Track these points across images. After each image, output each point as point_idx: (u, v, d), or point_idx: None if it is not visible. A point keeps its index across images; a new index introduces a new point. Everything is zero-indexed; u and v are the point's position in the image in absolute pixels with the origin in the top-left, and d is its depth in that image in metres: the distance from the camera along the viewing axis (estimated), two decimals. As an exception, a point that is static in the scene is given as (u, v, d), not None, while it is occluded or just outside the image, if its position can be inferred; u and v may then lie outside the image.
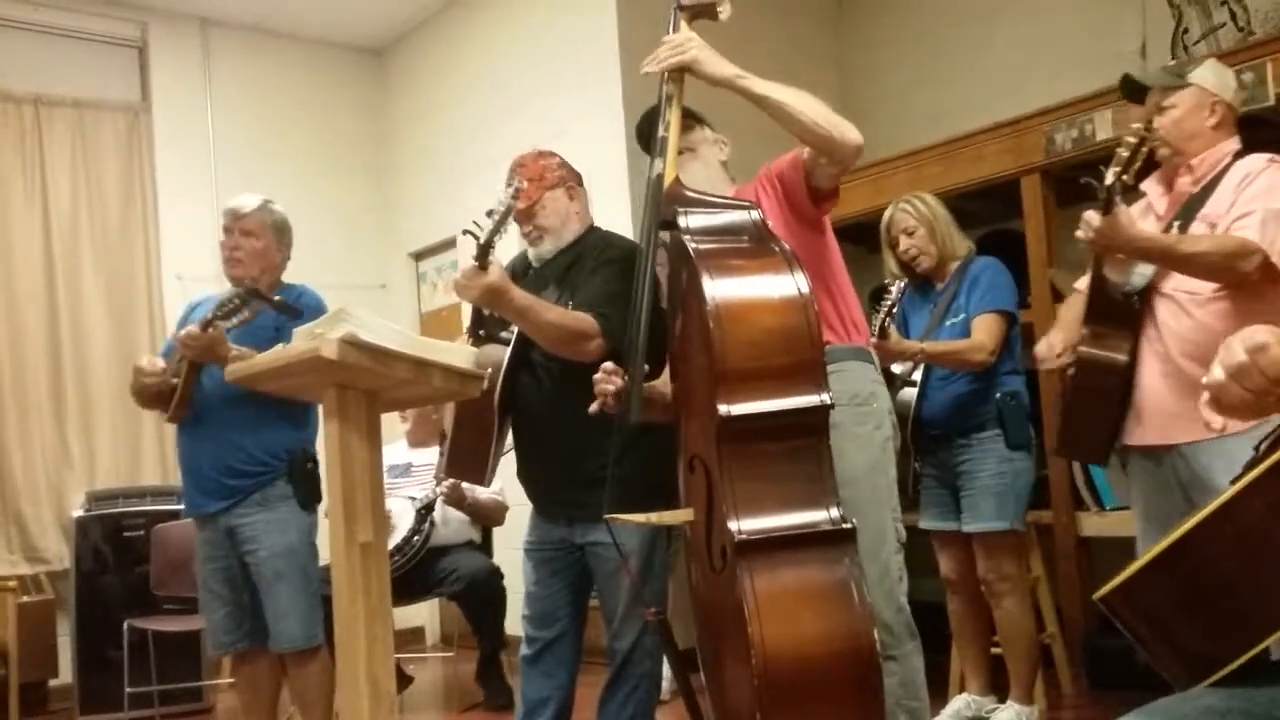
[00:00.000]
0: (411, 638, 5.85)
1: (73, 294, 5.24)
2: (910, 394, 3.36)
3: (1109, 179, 2.26)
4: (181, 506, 3.87)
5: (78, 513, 4.68)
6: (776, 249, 2.01)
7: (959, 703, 3.41)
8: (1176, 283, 2.37)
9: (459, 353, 2.39)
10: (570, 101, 4.99)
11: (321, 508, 3.05)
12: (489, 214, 2.38)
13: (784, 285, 1.94)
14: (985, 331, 3.20)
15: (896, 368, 3.36)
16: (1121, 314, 2.44)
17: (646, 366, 2.13)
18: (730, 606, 1.86)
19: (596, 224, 2.79)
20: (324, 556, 2.77)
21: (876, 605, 1.95)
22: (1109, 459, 2.58)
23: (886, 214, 3.43)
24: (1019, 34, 4.61)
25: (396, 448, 4.51)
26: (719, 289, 1.92)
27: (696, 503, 2.05)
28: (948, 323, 3.32)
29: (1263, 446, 1.24)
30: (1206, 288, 2.32)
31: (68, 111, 5.34)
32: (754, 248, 2.03)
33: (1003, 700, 3.34)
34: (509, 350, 2.64)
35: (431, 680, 5.23)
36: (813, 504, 1.89)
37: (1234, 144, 2.46)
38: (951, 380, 3.29)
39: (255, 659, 3.15)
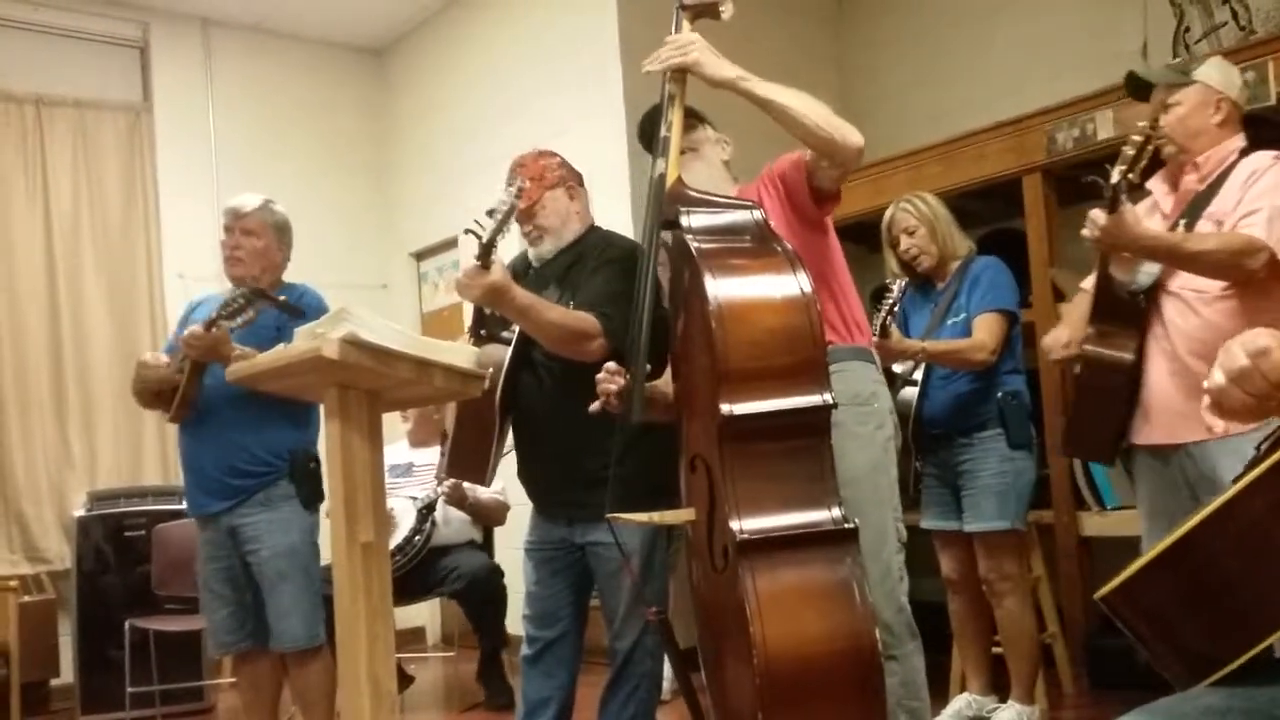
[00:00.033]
0: (412, 637, 5.85)
1: (74, 294, 5.24)
2: (911, 393, 3.36)
3: (1115, 177, 2.25)
4: (183, 506, 3.88)
5: (79, 512, 4.68)
6: (779, 249, 2.01)
7: (960, 702, 3.41)
8: (1183, 281, 2.36)
9: (460, 352, 2.39)
10: (571, 101, 4.99)
11: (323, 507, 3.05)
12: (489, 213, 2.38)
13: (786, 285, 1.94)
14: (986, 330, 3.20)
15: (897, 367, 3.36)
16: (1128, 313, 2.43)
17: (648, 366, 2.13)
18: (732, 606, 1.86)
19: (597, 224, 2.79)
20: (325, 556, 2.77)
21: (877, 605, 1.95)
22: (1116, 458, 2.57)
23: (887, 213, 3.43)
24: (1019, 34, 4.61)
25: (398, 447, 4.51)
26: (721, 288, 1.92)
27: (698, 502, 2.05)
28: (949, 322, 3.32)
29: (1263, 446, 1.24)
30: (1214, 286, 2.32)
31: (69, 111, 5.34)
32: (756, 247, 2.03)
33: (1004, 700, 3.34)
34: (510, 350, 2.64)
35: (432, 680, 5.23)
36: (814, 504, 1.89)
37: (1239, 141, 2.45)
38: (952, 380, 3.29)
39: (256, 659, 3.15)
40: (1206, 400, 1.16)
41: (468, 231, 2.33)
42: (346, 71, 6.25)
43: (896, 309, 3.17)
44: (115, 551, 4.59)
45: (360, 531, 2.26)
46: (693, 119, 2.34)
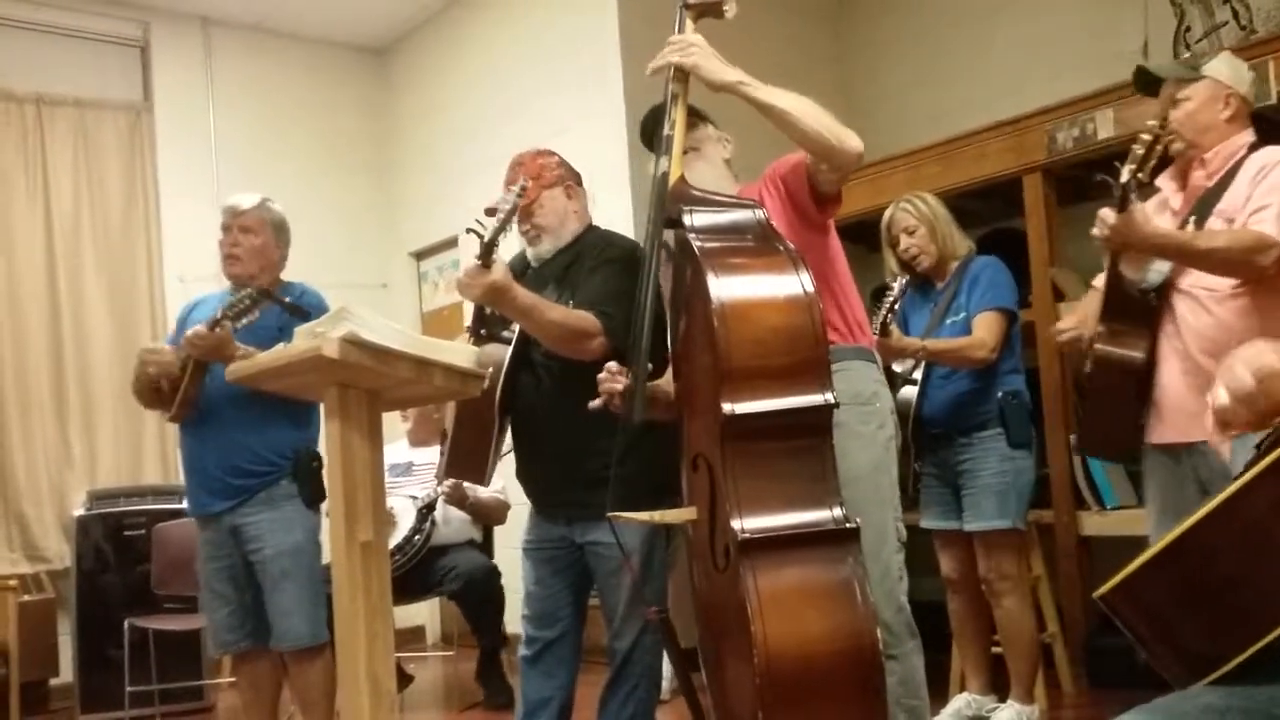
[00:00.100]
0: (412, 637, 5.85)
1: (74, 293, 5.24)
2: (911, 392, 3.36)
3: (1124, 176, 2.25)
4: (182, 506, 3.88)
5: (79, 512, 4.68)
6: (781, 248, 2.01)
7: (959, 702, 3.41)
8: (1194, 279, 2.35)
9: (460, 352, 2.39)
10: (571, 101, 4.99)
11: (324, 506, 3.04)
12: (487, 212, 2.38)
13: (789, 284, 1.94)
14: (986, 329, 3.20)
15: (897, 366, 3.36)
16: (1139, 311, 2.42)
17: (650, 365, 2.13)
18: (733, 605, 1.86)
19: (596, 223, 2.78)
20: (326, 555, 2.77)
21: (877, 604, 1.95)
22: (1135, 456, 2.56)
23: (887, 213, 3.43)
24: (1019, 34, 4.61)
25: (397, 447, 4.51)
26: (724, 287, 1.92)
27: (699, 501, 2.05)
28: (948, 321, 3.32)
29: (1263, 444, 1.23)
30: (1225, 284, 2.31)
31: (69, 111, 5.35)
32: (759, 246, 2.03)
33: (1003, 699, 3.34)
34: (510, 350, 2.64)
35: (432, 679, 5.23)
36: (816, 503, 1.89)
37: (1248, 136, 2.44)
38: (952, 379, 3.29)
39: (256, 658, 3.15)
40: (1210, 420, 1.16)
41: (469, 231, 2.33)
42: (347, 71, 6.25)
43: (897, 307, 3.17)
44: (115, 551, 4.59)
45: (360, 530, 2.26)
46: (695, 117, 2.35)
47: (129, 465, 5.27)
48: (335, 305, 2.36)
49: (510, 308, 2.41)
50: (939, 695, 3.13)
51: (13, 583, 4.42)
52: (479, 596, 4.24)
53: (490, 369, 2.50)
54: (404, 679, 4.25)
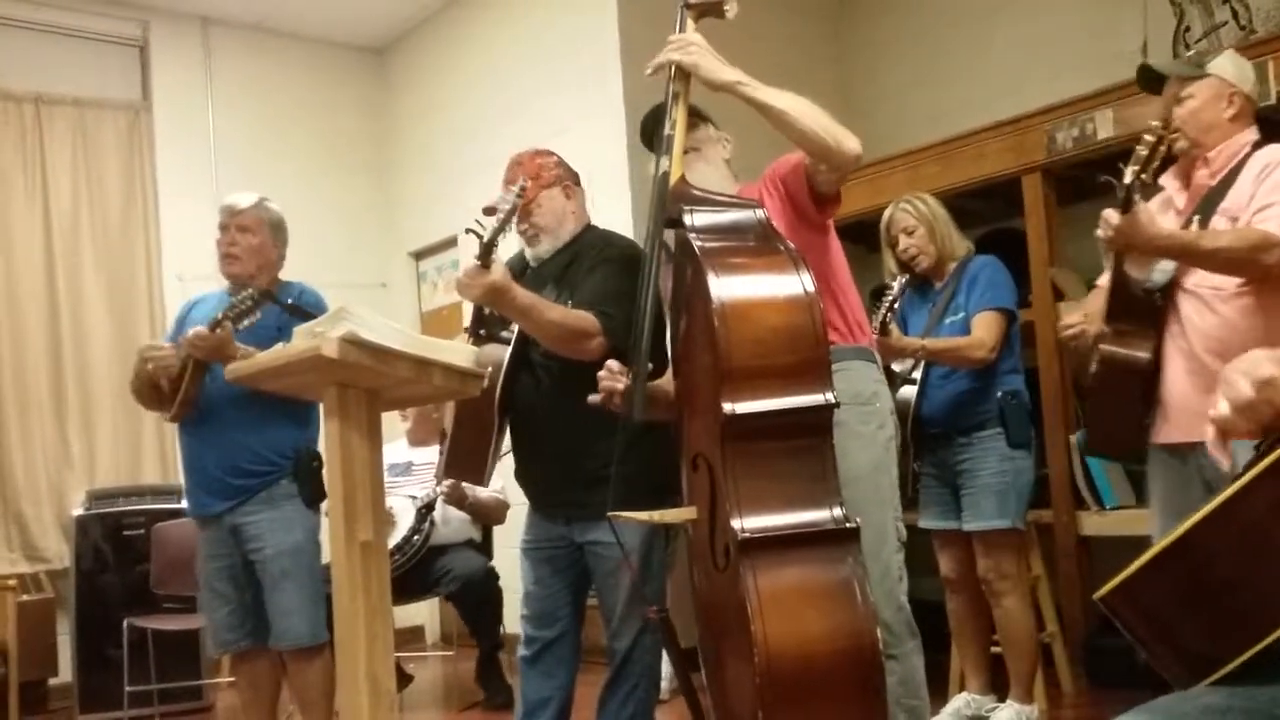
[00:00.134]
0: (411, 636, 5.85)
1: (73, 293, 5.24)
2: (910, 392, 3.36)
3: (1128, 177, 2.24)
4: (181, 505, 3.88)
5: (78, 511, 4.68)
6: (782, 248, 2.01)
7: (959, 701, 3.41)
8: (1199, 278, 2.35)
9: (459, 351, 2.39)
10: (571, 101, 4.99)
11: (324, 506, 3.04)
12: (486, 211, 2.38)
13: (789, 284, 1.94)
14: (985, 329, 3.20)
15: (896, 365, 3.36)
16: (1144, 311, 2.42)
17: (650, 365, 2.13)
18: (733, 605, 1.86)
19: (596, 223, 2.78)
20: (325, 555, 2.77)
21: (877, 604, 1.95)
22: (1141, 456, 2.56)
23: (886, 213, 3.43)
24: (1019, 34, 4.61)
25: (397, 446, 4.51)
26: (724, 287, 1.92)
27: (699, 501, 2.05)
28: (947, 321, 3.32)
29: (1262, 445, 1.23)
30: (1230, 283, 2.31)
31: (69, 110, 5.34)
32: (759, 246, 2.03)
33: (1003, 699, 3.34)
34: (509, 350, 2.64)
35: (431, 679, 5.23)
36: (816, 503, 1.89)
37: (1252, 134, 2.43)
38: (951, 378, 3.29)
39: (256, 658, 3.14)
40: (1211, 432, 1.16)
41: (468, 231, 2.33)
42: (347, 71, 6.25)
43: (896, 306, 3.17)
44: (114, 551, 4.59)
45: (359, 530, 2.26)
46: (695, 117, 2.34)
47: (128, 465, 5.27)
48: (334, 305, 2.35)
49: (509, 308, 2.41)
50: (938, 695, 3.13)
51: (12, 582, 4.41)
52: (476, 598, 4.24)
53: (489, 369, 2.49)
54: (403, 679, 4.25)
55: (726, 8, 2.22)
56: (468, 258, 2.40)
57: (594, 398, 2.19)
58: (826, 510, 1.89)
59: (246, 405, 2.93)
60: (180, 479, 3.23)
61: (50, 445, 5.12)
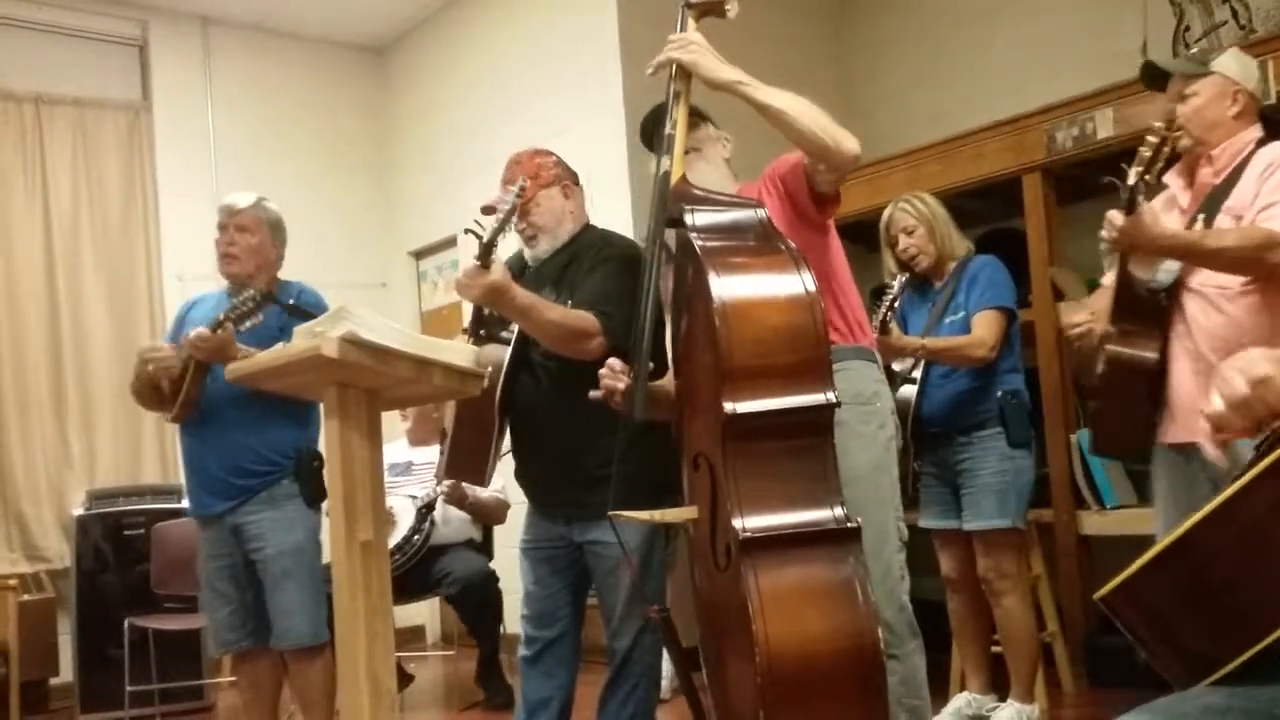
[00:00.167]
0: (412, 636, 5.85)
1: (73, 293, 5.24)
2: (910, 391, 3.36)
3: (1131, 178, 2.23)
4: (182, 505, 3.88)
5: (78, 511, 4.68)
6: (783, 247, 2.01)
7: (960, 701, 3.41)
8: (1204, 277, 2.34)
9: (459, 351, 2.40)
10: (571, 100, 4.99)
11: (325, 505, 3.04)
12: (484, 210, 2.37)
13: (790, 283, 1.95)
14: (985, 327, 3.21)
15: (896, 365, 3.36)
16: (1149, 311, 2.41)
17: (651, 365, 2.13)
18: (734, 604, 1.86)
19: (595, 223, 2.78)
20: (326, 555, 2.77)
21: (878, 604, 1.95)
22: (1147, 456, 2.55)
23: (886, 213, 3.43)
24: (1019, 34, 4.61)
25: (397, 446, 4.51)
26: (725, 286, 1.92)
27: (700, 500, 2.05)
28: (946, 320, 3.32)
29: (1262, 445, 1.23)
30: (1235, 281, 2.30)
31: (68, 110, 5.34)
32: (760, 246, 2.03)
33: (1003, 699, 3.34)
34: (509, 350, 2.64)
35: (432, 679, 5.23)
36: (817, 502, 1.89)
37: (1255, 132, 2.42)
38: (952, 378, 3.29)
39: (257, 657, 3.15)
40: (1206, 428, 1.16)
41: (468, 231, 2.33)
42: (347, 70, 6.25)
43: (897, 305, 3.17)
44: (114, 550, 4.60)
45: (359, 530, 2.27)
46: (695, 117, 2.35)
47: (128, 465, 5.27)
48: (334, 305, 2.35)
49: (509, 308, 2.41)
50: (939, 694, 3.13)
51: (12, 582, 4.41)
52: (476, 601, 4.23)
53: (489, 369, 2.49)
54: (404, 678, 4.25)
55: (728, 7, 2.22)
56: (467, 258, 2.40)
57: (595, 394, 2.19)
58: (828, 510, 1.88)
59: (247, 405, 2.93)
60: (180, 479, 3.23)
61: (50, 445, 5.13)
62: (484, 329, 2.69)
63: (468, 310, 2.85)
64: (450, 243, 5.65)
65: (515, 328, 2.60)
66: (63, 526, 4.97)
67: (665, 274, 2.23)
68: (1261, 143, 2.40)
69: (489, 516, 4.42)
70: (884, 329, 3.08)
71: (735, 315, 1.90)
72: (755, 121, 2.17)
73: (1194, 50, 4.00)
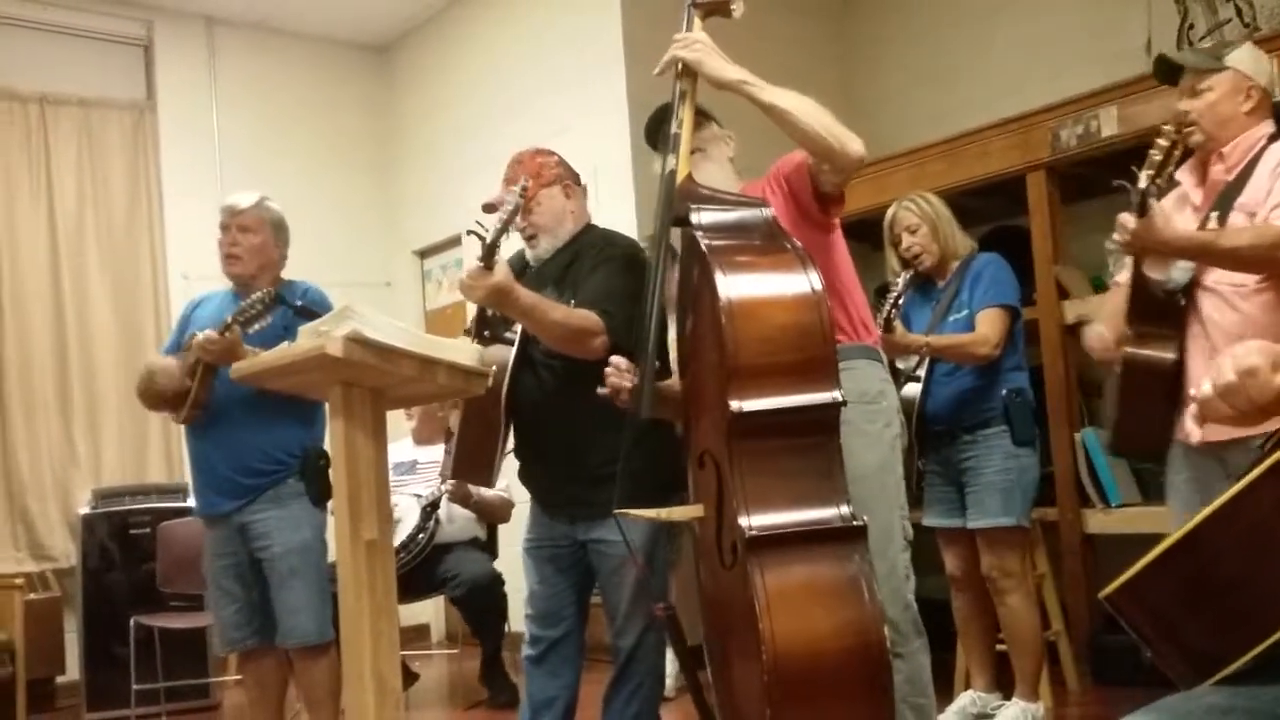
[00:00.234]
0: (417, 635, 5.86)
1: (78, 292, 5.26)
2: (914, 390, 3.36)
3: (1142, 182, 2.22)
4: (188, 504, 3.88)
5: (84, 510, 4.69)
6: (789, 246, 2.01)
7: (964, 699, 3.41)
8: (1219, 275, 2.32)
9: (464, 350, 2.40)
10: (574, 99, 4.99)
11: (330, 504, 3.05)
12: (485, 208, 2.37)
13: (797, 282, 1.95)
14: (989, 325, 3.21)
15: (900, 363, 3.36)
16: (1166, 311, 2.39)
17: (656, 363, 2.13)
18: (740, 603, 1.86)
19: (598, 223, 2.78)
20: (332, 554, 2.77)
21: (884, 603, 1.95)
22: (1165, 456, 2.54)
23: (889, 212, 3.43)
24: (1021, 33, 4.61)
25: (402, 445, 4.52)
26: (732, 285, 1.92)
27: (706, 499, 2.05)
28: (950, 318, 3.32)
29: (1267, 444, 1.23)
30: (1250, 279, 2.28)
31: (73, 110, 5.35)
32: (766, 245, 2.03)
33: (1008, 697, 3.34)
34: (514, 350, 2.64)
35: (437, 677, 5.25)
36: (823, 501, 1.89)
37: (1267, 128, 2.40)
38: (956, 376, 3.29)
39: (263, 656, 3.15)
40: (1192, 408, 1.17)
41: (470, 232, 2.32)
42: (350, 69, 6.25)
43: (901, 302, 3.17)
44: (120, 549, 4.61)
45: (365, 529, 2.27)
46: (700, 116, 2.34)
47: (134, 463, 5.29)
48: (339, 304, 2.36)
49: (513, 308, 2.41)
50: (944, 693, 3.13)
51: (19, 581, 4.43)
52: (481, 603, 4.24)
53: (494, 368, 2.50)
54: (409, 677, 4.26)
55: (733, 7, 2.21)
56: (472, 258, 2.40)
57: (603, 390, 2.19)
58: (834, 508, 1.88)
59: (254, 405, 2.93)
60: (186, 477, 3.24)
61: (56, 444, 5.14)
62: (487, 329, 2.69)
63: (472, 309, 2.85)
64: (455, 242, 5.66)
65: (518, 327, 2.60)
66: (69, 525, 4.98)
67: (670, 274, 2.23)
68: (1273, 138, 2.38)
69: (493, 515, 4.42)
70: (888, 327, 3.08)
71: (741, 314, 1.90)
72: (757, 121, 2.17)
73: (1210, 44, 3.99)
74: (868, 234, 4.07)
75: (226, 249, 3.13)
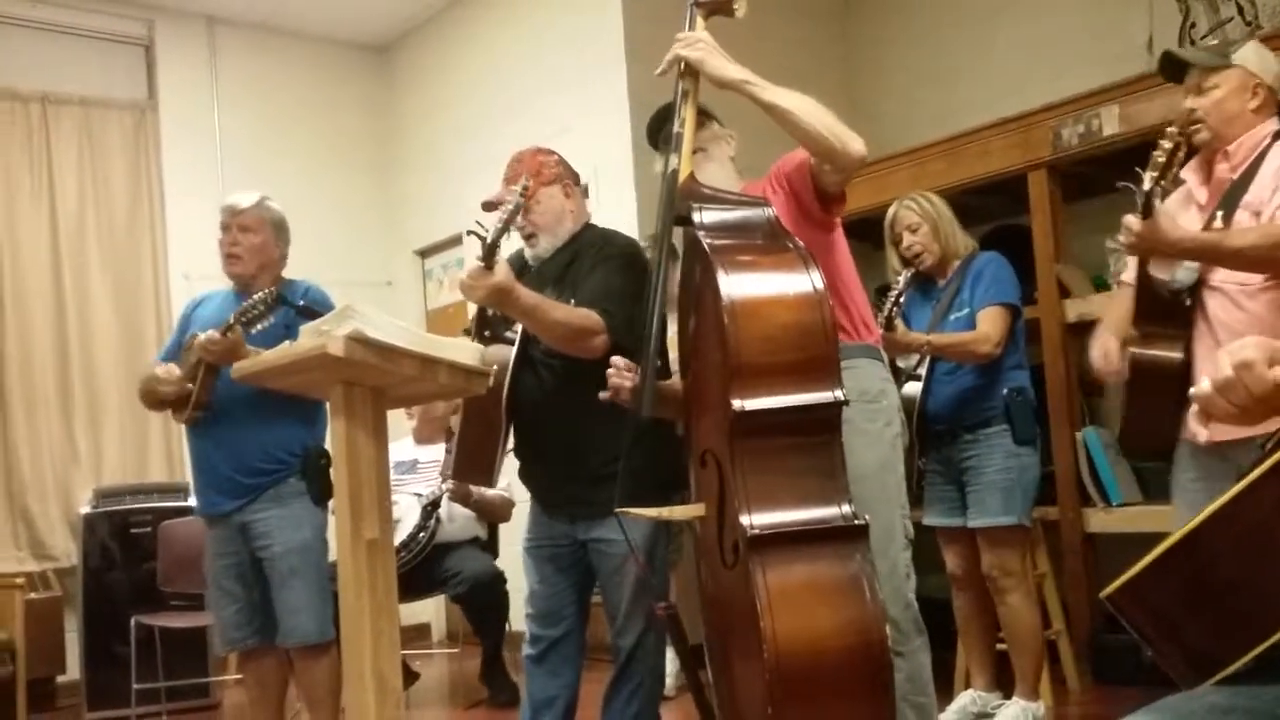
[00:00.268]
0: (417, 634, 5.86)
1: (80, 292, 5.26)
2: (915, 389, 3.36)
3: (1147, 183, 2.22)
4: (189, 503, 3.88)
5: (85, 509, 4.69)
6: (791, 245, 2.01)
7: (965, 698, 3.41)
8: (1225, 275, 2.31)
9: (465, 349, 2.40)
10: (574, 99, 4.99)
11: (331, 504, 3.05)
12: (485, 207, 2.37)
13: (799, 281, 1.95)
14: (990, 323, 3.21)
15: (901, 361, 3.36)
16: (1171, 311, 2.39)
17: (658, 362, 2.13)
18: (742, 601, 1.86)
19: (599, 222, 2.78)
20: (332, 553, 2.77)
21: (885, 602, 1.95)
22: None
23: (890, 211, 3.43)
24: (1023, 34, 4.61)
25: (403, 444, 4.52)
26: (734, 284, 1.92)
27: (708, 498, 2.05)
28: (951, 317, 3.32)
29: (1268, 444, 1.23)
30: (1256, 278, 2.27)
31: (74, 110, 5.35)
32: (768, 244, 2.03)
33: (1008, 696, 3.34)
34: (514, 349, 2.64)
35: (437, 676, 5.25)
36: (825, 500, 1.89)
37: (1272, 125, 2.39)
38: (957, 375, 3.29)
39: (263, 655, 3.15)
40: (1194, 407, 1.16)
41: (470, 233, 2.32)
42: (351, 69, 6.26)
43: (902, 300, 3.16)
44: (121, 548, 4.61)
45: (365, 528, 2.27)
46: (701, 115, 2.34)
47: (134, 463, 5.29)
48: (340, 303, 2.36)
49: (513, 308, 2.41)
50: (944, 692, 3.13)
51: (19, 580, 4.43)
52: (483, 602, 4.24)
53: (495, 368, 2.50)
54: (409, 676, 4.26)
55: (736, 6, 2.21)
56: (472, 257, 2.40)
57: (605, 394, 2.19)
58: (835, 507, 1.88)
59: (255, 404, 2.93)
60: (187, 477, 3.23)
61: (57, 443, 5.14)
62: (488, 329, 2.69)
63: (473, 309, 2.86)
64: (455, 241, 5.66)
65: (519, 327, 2.60)
66: (69, 524, 4.98)
67: (671, 274, 2.23)
68: (1278, 136, 2.38)
69: (494, 514, 4.42)
70: (889, 325, 3.08)
71: (744, 313, 1.90)
72: (759, 120, 2.17)
73: (1213, 43, 3.99)
74: (869, 233, 4.07)
75: (227, 249, 3.13)
